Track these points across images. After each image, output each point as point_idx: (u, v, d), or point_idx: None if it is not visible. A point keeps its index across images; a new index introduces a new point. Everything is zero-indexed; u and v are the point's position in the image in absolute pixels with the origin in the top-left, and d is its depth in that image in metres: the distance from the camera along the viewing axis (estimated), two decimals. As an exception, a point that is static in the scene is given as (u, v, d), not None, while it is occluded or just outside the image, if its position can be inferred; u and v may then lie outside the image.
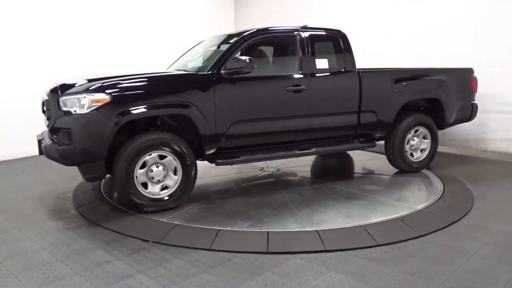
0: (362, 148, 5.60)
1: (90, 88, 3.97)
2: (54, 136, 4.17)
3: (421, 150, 5.75)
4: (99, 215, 4.22)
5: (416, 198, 4.86)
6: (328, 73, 5.09)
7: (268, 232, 3.67)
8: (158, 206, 4.21)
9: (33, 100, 6.44)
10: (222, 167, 5.73)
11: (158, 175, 4.19)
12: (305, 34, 5.01)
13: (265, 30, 4.99)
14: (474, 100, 6.12)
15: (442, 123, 5.90)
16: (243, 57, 4.42)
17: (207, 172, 5.73)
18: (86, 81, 4.10)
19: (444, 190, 4.85)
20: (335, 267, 3.12)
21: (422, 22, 7.52)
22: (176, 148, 4.22)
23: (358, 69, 5.23)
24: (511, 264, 3.15)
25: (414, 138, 5.67)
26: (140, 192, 4.13)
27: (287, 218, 4.07)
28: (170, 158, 4.23)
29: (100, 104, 3.89)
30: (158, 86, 4.29)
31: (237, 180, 5.75)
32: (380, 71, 5.56)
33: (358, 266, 3.14)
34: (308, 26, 5.23)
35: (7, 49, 7.07)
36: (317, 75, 4.97)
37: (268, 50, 5.49)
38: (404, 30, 7.76)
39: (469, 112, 6.09)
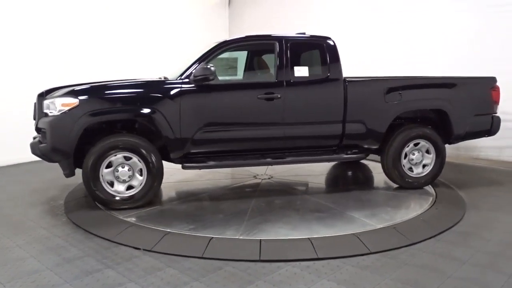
0: (347, 160, 5.36)
1: (63, 93, 4.43)
2: (39, 135, 4.60)
3: (424, 166, 5.26)
4: (90, 223, 4.17)
5: (399, 211, 4.54)
6: (308, 81, 4.93)
7: (260, 240, 3.65)
8: (122, 204, 4.49)
9: (22, 108, 6.50)
10: (216, 173, 6.17)
11: (123, 175, 4.48)
12: (285, 42, 4.88)
13: (241, 39, 5.03)
14: (495, 113, 5.49)
15: (450, 137, 5.38)
16: (209, 65, 4.52)
17: (202, 175, 5.96)
18: (65, 87, 4.54)
19: (436, 198, 4.87)
20: (327, 275, 3.11)
21: (429, 30, 7.53)
22: (139, 150, 4.46)
23: (346, 77, 5.01)
24: (502, 272, 3.16)
25: (414, 152, 5.20)
26: (105, 190, 4.45)
27: (231, 225, 4.04)
28: (135, 160, 4.49)
29: (69, 107, 4.30)
30: (122, 92, 4.59)
31: (220, 185, 5.72)
32: (369, 79, 5.25)
33: (350, 274, 3.13)
34: (306, 33, 5.20)
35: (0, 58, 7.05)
36: (294, 83, 4.83)
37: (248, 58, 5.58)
38: (408, 37, 7.77)
39: (487, 126, 5.46)
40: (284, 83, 4.80)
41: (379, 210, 4.45)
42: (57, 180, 5.93)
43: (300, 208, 4.57)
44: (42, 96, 4.55)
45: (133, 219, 4.26)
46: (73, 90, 4.43)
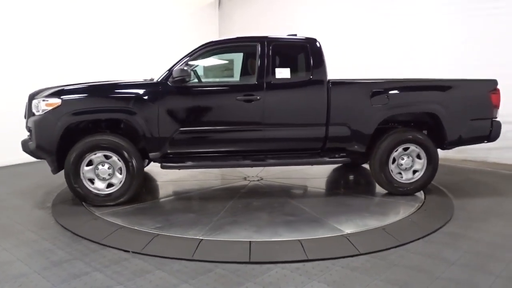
0: (329, 163, 5.20)
1: (48, 94, 4.60)
2: (29, 133, 4.78)
3: (414, 172, 5.07)
4: (79, 226, 4.13)
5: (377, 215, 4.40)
6: (290, 83, 4.88)
7: (250, 241, 3.64)
8: (101, 201, 4.66)
9: (12, 111, 6.45)
10: (208, 174, 6.30)
11: (103, 173, 4.65)
12: (267, 44, 4.86)
13: (222, 41, 5.09)
14: (495, 117, 5.17)
15: (443, 142, 5.15)
16: (185, 67, 4.63)
17: (194, 175, 6.10)
18: (55, 87, 4.67)
19: (425, 199, 4.90)
20: (317, 277, 3.11)
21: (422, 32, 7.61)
22: (118, 150, 4.59)
23: (330, 79, 4.91)
24: (490, 273, 3.18)
25: (404, 156, 5.03)
26: (86, 186, 4.62)
27: (197, 225, 4.07)
28: (114, 159, 4.64)
29: (52, 107, 4.51)
30: (103, 93, 4.73)
31: (206, 186, 5.75)
32: (354, 82, 5.10)
33: (340, 276, 3.14)
34: (298, 34, 5.19)
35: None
36: (274, 85, 4.80)
37: (229, 60, 5.69)
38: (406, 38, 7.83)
39: (487, 131, 5.15)
40: (264, 85, 4.78)
41: (356, 216, 4.34)
42: (45, 183, 5.89)
43: (274, 211, 4.51)
44: (32, 96, 4.73)
45: (109, 216, 4.37)
46: (56, 91, 4.61)
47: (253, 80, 4.86)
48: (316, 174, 6.28)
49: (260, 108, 4.76)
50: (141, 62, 8.71)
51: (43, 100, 4.55)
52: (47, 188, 5.59)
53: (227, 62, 6.24)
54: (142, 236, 3.80)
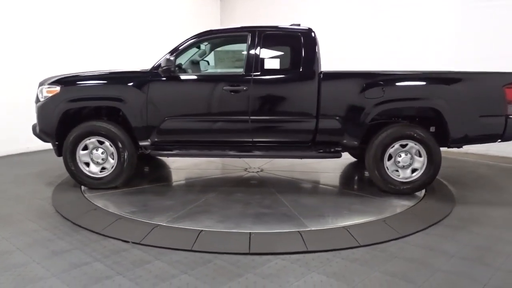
0: (318, 157, 4.92)
1: (50, 81, 4.90)
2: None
3: (414, 170, 4.76)
4: (79, 216, 4.13)
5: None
6: (279, 74, 4.83)
7: (250, 233, 3.63)
8: (94, 184, 4.93)
9: (10, 101, 6.46)
10: (211, 163, 6.43)
11: (97, 158, 4.91)
12: (258, 34, 4.82)
13: (211, 31, 5.08)
14: (510, 114, 4.64)
15: (447, 139, 4.74)
16: (171, 57, 4.71)
17: (198, 164, 6.25)
18: (57, 76, 4.97)
19: (425, 192, 4.87)
20: (317, 268, 3.11)
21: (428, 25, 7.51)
22: (110, 136, 4.81)
23: (322, 71, 4.75)
24: (490, 266, 3.18)
25: (401, 153, 4.73)
26: (81, 169, 4.91)
27: (167, 212, 4.15)
28: (107, 144, 4.87)
29: (52, 94, 4.82)
30: (96, 82, 4.96)
31: (203, 175, 5.80)
32: (346, 73, 4.94)
33: (340, 267, 3.13)
34: (301, 25, 5.09)
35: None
36: (263, 75, 4.75)
37: (221, 49, 5.76)
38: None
39: (500, 128, 4.66)
40: (252, 76, 4.73)
41: (331, 213, 4.18)
42: (45, 172, 5.89)
43: (251, 204, 4.44)
44: (40, 83, 5.05)
45: (94, 199, 4.57)
46: (57, 79, 4.90)
47: (241, 71, 4.82)
48: (324, 169, 6.11)
49: (247, 99, 4.72)
50: (144, 53, 8.65)
51: (46, 87, 4.88)
52: (47, 178, 5.59)
53: (237, 52, 6.21)
54: (142, 227, 3.79)
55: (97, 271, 3.05)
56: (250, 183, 5.44)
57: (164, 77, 4.77)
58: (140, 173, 5.99)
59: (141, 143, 4.94)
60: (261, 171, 5.88)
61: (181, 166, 6.26)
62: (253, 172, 5.83)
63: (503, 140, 4.78)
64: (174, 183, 5.61)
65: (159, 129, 4.83)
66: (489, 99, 4.67)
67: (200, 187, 5.20)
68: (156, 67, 4.79)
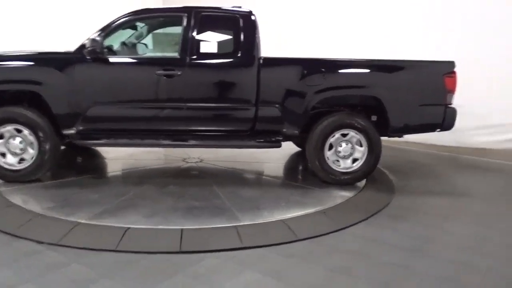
0: (257, 147, 4.71)
1: None
2: None
3: (354, 160, 4.65)
4: (-11, 214, 3.67)
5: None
6: (217, 59, 4.55)
7: (182, 229, 3.36)
8: (11, 176, 4.43)
9: None
10: (151, 153, 5.99)
11: (14, 148, 4.41)
12: (195, 15, 4.50)
13: (143, 10, 4.73)
14: (449, 104, 4.64)
15: (387, 129, 4.66)
16: (98, 37, 4.31)
17: (133, 154, 5.82)
18: None
19: (366, 182, 4.79)
20: (252, 265, 2.91)
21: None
22: (29, 124, 4.32)
23: (262, 57, 4.53)
24: (429, 256, 3.13)
25: (342, 143, 4.63)
26: None
27: (91, 207, 3.78)
28: (25, 133, 4.38)
29: None
30: (13, 63, 4.45)
31: (138, 166, 5.43)
32: (287, 59, 4.70)
33: (276, 263, 2.96)
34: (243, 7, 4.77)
35: None
36: (199, 60, 4.46)
37: (161, 32, 5.34)
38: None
39: (439, 118, 4.64)
40: (187, 60, 4.42)
41: (268, 205, 3.98)
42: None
43: (184, 197, 4.15)
44: None
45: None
46: None
47: (176, 54, 4.51)
48: (267, 159, 5.86)
49: (181, 85, 4.43)
50: (77, 28, 8.02)
51: None
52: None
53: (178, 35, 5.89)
54: (61, 225, 3.40)
55: (3, 278, 2.67)
56: (187, 174, 5.15)
57: (90, 59, 4.35)
58: (71, 163, 5.54)
59: (65, 132, 4.47)
60: (201, 161, 5.59)
61: (117, 156, 5.80)
62: (192, 162, 5.53)
63: (442, 130, 4.76)
64: (106, 175, 5.20)
65: (85, 116, 4.41)
66: (429, 88, 4.63)
67: (133, 178, 4.85)
68: (80, 48, 4.36)
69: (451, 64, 4.61)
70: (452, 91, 4.61)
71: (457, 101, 4.71)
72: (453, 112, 4.65)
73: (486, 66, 6.26)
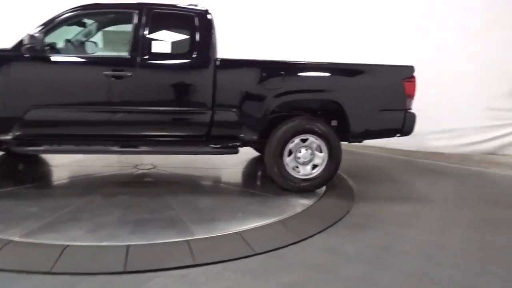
0: (212, 153, 4.49)
1: None
2: None
3: (314, 166, 4.50)
4: None
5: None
6: (169, 60, 4.32)
7: (128, 246, 3.06)
8: None
9: None
10: (103, 160, 5.49)
11: None
12: (146, 12, 4.24)
13: (91, 6, 4.41)
14: (408, 108, 4.59)
15: (348, 134, 4.56)
16: (38, 34, 3.95)
17: (80, 160, 5.42)
18: None
19: (326, 188, 4.63)
20: (204, 285, 2.67)
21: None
22: None
23: (218, 58, 4.34)
24: (389, 268, 3.00)
25: (301, 149, 4.47)
26: None
27: (24, 223, 3.37)
28: None
29: None
30: None
31: (86, 172, 5.08)
32: (244, 61, 4.47)
33: (232, 281, 2.74)
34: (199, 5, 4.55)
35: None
36: (151, 60, 4.21)
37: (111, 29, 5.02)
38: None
39: (399, 123, 4.57)
40: (138, 60, 4.15)
41: (224, 216, 3.74)
42: None
43: (133, 208, 3.85)
44: None
45: None
46: None
47: (125, 53, 4.21)
48: (224, 165, 5.59)
49: (131, 87, 4.14)
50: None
51: None
52: None
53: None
54: (-12, 245, 3.03)
55: None
56: (139, 182, 4.83)
57: (29, 57, 3.97)
58: (10, 171, 5.08)
59: (0, 137, 4.06)
60: (154, 168, 5.27)
61: (63, 163, 5.38)
62: (144, 169, 5.21)
63: (402, 135, 4.71)
64: (48, 184, 4.78)
65: (23, 120, 4.02)
66: (389, 93, 4.56)
67: (79, 188, 4.46)
68: (18, 45, 3.96)
69: (410, 68, 4.55)
70: (411, 96, 4.56)
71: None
72: (413, 117, 4.59)
73: (438, 71, 6.37)
